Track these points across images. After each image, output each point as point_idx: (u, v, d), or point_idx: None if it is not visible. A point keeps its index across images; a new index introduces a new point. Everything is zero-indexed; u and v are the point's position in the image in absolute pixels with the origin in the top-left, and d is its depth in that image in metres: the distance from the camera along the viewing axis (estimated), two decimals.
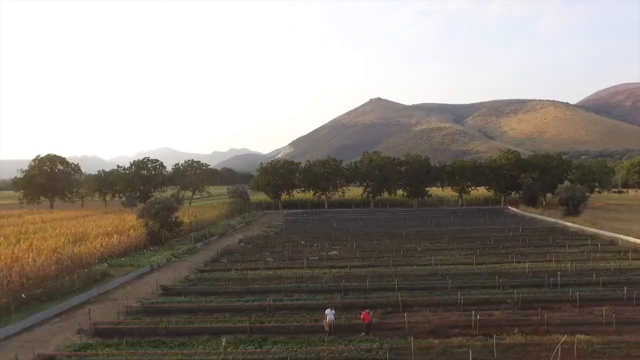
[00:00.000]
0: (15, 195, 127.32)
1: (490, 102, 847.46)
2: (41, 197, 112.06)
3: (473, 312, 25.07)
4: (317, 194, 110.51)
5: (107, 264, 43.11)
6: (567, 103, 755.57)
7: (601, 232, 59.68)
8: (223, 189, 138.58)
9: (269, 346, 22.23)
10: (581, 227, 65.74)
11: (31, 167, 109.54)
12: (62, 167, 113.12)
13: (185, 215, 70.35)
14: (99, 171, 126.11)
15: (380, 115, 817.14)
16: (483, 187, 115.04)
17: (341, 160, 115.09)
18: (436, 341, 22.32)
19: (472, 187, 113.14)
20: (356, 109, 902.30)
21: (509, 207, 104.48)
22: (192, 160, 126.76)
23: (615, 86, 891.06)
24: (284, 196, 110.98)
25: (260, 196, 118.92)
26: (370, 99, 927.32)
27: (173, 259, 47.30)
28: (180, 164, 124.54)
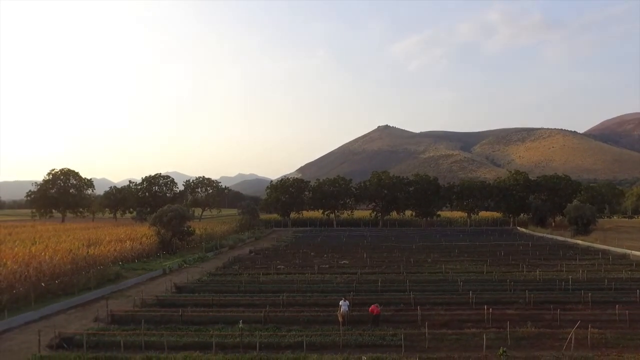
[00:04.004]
0: (25, 213, 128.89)
1: (498, 130, 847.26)
2: (53, 211, 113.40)
3: (485, 306, 25.24)
4: (326, 213, 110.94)
5: (120, 267, 43.65)
6: (574, 132, 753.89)
7: (612, 248, 59.32)
8: (232, 211, 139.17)
9: (284, 333, 22.51)
10: (591, 244, 65.41)
11: (45, 181, 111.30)
12: (75, 182, 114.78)
13: (196, 228, 70.89)
14: (110, 187, 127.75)
15: (388, 142, 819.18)
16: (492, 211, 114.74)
17: (350, 180, 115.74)
18: (450, 331, 22.53)
19: (481, 210, 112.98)
20: (364, 136, 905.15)
21: (518, 227, 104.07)
22: (203, 177, 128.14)
23: (623, 115, 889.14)
24: (293, 214, 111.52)
25: (269, 216, 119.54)
26: (378, 127, 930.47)
27: (185, 265, 47.78)
28: (191, 180, 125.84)
